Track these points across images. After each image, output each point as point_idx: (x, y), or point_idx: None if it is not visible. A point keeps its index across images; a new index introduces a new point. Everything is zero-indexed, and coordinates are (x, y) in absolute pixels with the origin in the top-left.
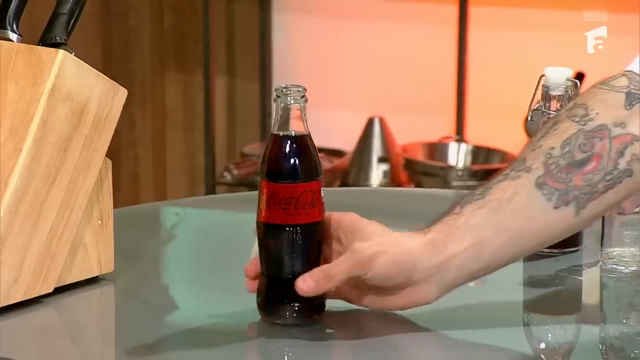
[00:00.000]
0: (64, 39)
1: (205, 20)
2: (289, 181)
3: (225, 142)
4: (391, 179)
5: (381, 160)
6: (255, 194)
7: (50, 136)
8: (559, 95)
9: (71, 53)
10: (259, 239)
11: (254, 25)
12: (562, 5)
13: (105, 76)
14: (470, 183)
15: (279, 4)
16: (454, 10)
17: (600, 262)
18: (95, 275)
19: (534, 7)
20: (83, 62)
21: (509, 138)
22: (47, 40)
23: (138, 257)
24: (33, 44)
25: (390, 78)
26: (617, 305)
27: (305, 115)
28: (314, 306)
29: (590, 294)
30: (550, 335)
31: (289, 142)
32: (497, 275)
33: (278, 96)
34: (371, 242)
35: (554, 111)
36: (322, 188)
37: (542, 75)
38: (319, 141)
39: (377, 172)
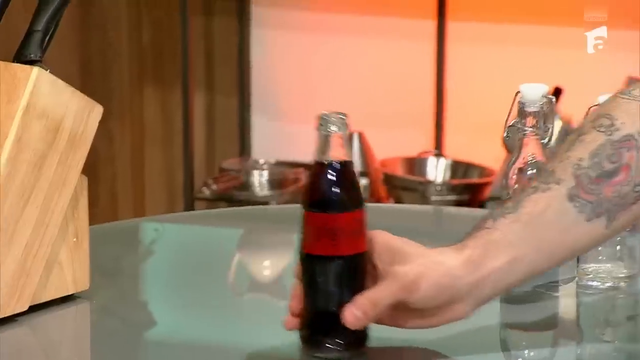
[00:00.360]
0: (39, 56)
1: (184, 35)
2: (336, 211)
3: (204, 157)
4: (370, 193)
5: (360, 174)
6: (233, 209)
7: (25, 153)
8: (535, 111)
9: (46, 70)
10: (304, 271)
11: (233, 40)
12: (541, 21)
13: (80, 93)
14: (449, 197)
15: (258, 20)
16: (432, 26)
17: (577, 278)
18: (70, 293)
19: (512, 22)
20: (58, 79)
21: (487, 153)
22: (21, 57)
23: (116, 274)
24: (8, 61)
25: (369, 93)
26: (593, 322)
27: (347, 142)
28: (358, 338)
29: (567, 310)
30: (527, 351)
31: (334, 171)
32: None
33: (320, 124)
34: (412, 265)
35: (530, 127)
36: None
37: (518, 92)
38: (297, 156)
39: None
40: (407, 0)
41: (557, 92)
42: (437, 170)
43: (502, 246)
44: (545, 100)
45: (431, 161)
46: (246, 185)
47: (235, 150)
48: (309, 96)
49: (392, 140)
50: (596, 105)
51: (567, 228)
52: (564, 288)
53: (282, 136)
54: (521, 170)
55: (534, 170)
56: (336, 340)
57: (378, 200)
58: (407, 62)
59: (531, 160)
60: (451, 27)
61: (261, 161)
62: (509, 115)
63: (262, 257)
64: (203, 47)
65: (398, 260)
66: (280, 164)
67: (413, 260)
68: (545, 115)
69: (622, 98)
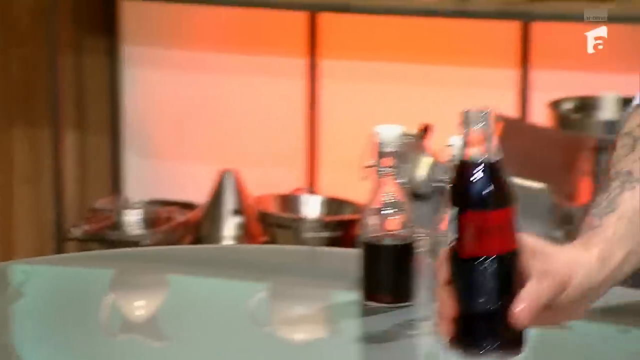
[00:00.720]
0: None
1: (53, 73)
2: (498, 207)
3: (76, 197)
4: (245, 231)
5: (235, 212)
6: (103, 252)
7: None
8: (391, 152)
9: None
10: (461, 274)
11: (104, 78)
12: (411, 60)
13: None
14: (323, 234)
15: (130, 58)
16: (303, 64)
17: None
18: None
19: (383, 60)
20: None
21: (360, 189)
22: None
23: None
24: None
25: (242, 131)
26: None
27: (491, 138)
28: (518, 339)
29: (426, 347)
30: None
31: (491, 168)
32: (334, 332)
33: (464, 122)
34: (559, 264)
35: (388, 167)
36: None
37: (374, 133)
38: (171, 194)
39: (230, 225)
40: (279, 38)
41: (426, 129)
42: (310, 207)
43: (617, 242)
44: (401, 140)
45: (305, 198)
46: (118, 225)
47: (108, 189)
48: (182, 134)
49: (266, 178)
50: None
51: None
52: (422, 325)
53: (155, 175)
54: (379, 210)
55: (392, 210)
56: (496, 341)
57: (253, 238)
58: (280, 99)
59: (388, 200)
60: (323, 64)
61: (134, 200)
62: (366, 155)
63: (134, 298)
64: (74, 85)
65: (539, 259)
66: (153, 202)
67: (554, 258)
68: (403, 155)
69: None
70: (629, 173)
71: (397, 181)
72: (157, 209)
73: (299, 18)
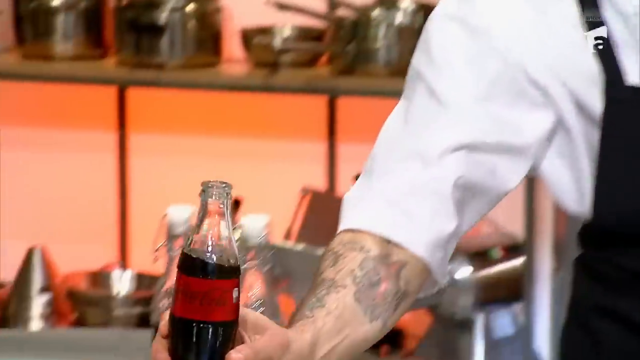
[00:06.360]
0: None
1: None
2: (206, 277)
3: None
4: (53, 309)
5: (43, 290)
6: None
7: None
8: (182, 232)
9: None
10: (171, 332)
11: None
12: (221, 133)
13: None
14: (135, 310)
15: None
16: (113, 138)
17: None
18: None
19: (194, 134)
20: None
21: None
22: None
23: None
24: None
25: (51, 206)
26: None
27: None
28: None
29: None
30: None
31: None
32: None
33: (203, 191)
34: (283, 329)
35: (180, 247)
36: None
37: (165, 215)
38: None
39: (38, 303)
40: (88, 113)
41: (237, 203)
42: (122, 283)
43: (324, 336)
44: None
45: (116, 274)
46: None
47: None
48: None
49: (76, 254)
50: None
51: (358, 325)
52: None
53: None
54: (169, 293)
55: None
56: None
57: (61, 317)
58: (90, 174)
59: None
60: (133, 138)
61: None
62: (157, 235)
63: None
64: None
65: (259, 330)
66: None
67: (275, 328)
68: (186, 236)
69: (353, 233)
70: (333, 280)
71: None
72: None
73: (109, 92)
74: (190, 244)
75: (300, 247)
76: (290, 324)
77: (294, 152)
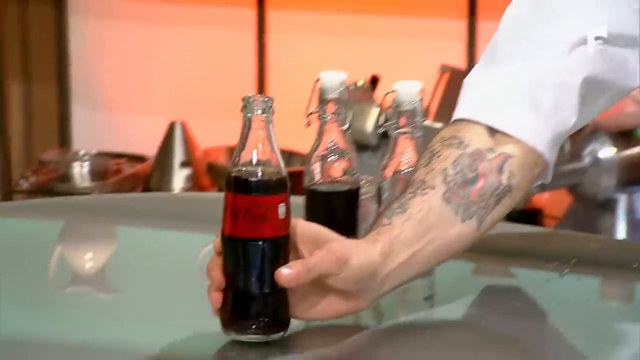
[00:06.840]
0: None
1: None
2: (255, 193)
3: (22, 149)
4: (194, 183)
5: (183, 164)
6: (52, 200)
7: None
8: (335, 98)
9: None
10: (225, 251)
11: (50, 29)
12: (359, 11)
13: None
14: None
15: (76, 8)
16: (252, 14)
17: None
18: None
19: (332, 12)
20: None
21: (309, 141)
22: None
23: None
24: None
25: (190, 82)
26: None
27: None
28: (279, 322)
29: None
30: None
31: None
32: None
33: (245, 106)
34: (342, 243)
35: (330, 114)
36: (281, 203)
37: (318, 79)
38: (119, 147)
39: (179, 177)
40: None
41: (374, 80)
42: None
43: (400, 243)
44: (344, 87)
45: None
46: (66, 177)
47: (55, 141)
48: (131, 86)
49: (215, 130)
50: (392, 91)
51: (448, 228)
52: None
53: (104, 127)
54: (323, 157)
55: (336, 156)
56: (259, 320)
57: (202, 190)
58: (229, 51)
59: (332, 146)
60: (271, 15)
61: (82, 152)
62: (309, 102)
63: (82, 249)
64: (18, 36)
65: (320, 245)
66: (101, 154)
67: (336, 239)
68: (345, 102)
69: (460, 122)
70: (422, 181)
71: (341, 128)
72: (105, 161)
73: None
74: (235, 160)
75: (438, 125)
76: (368, 231)
77: (434, 29)
